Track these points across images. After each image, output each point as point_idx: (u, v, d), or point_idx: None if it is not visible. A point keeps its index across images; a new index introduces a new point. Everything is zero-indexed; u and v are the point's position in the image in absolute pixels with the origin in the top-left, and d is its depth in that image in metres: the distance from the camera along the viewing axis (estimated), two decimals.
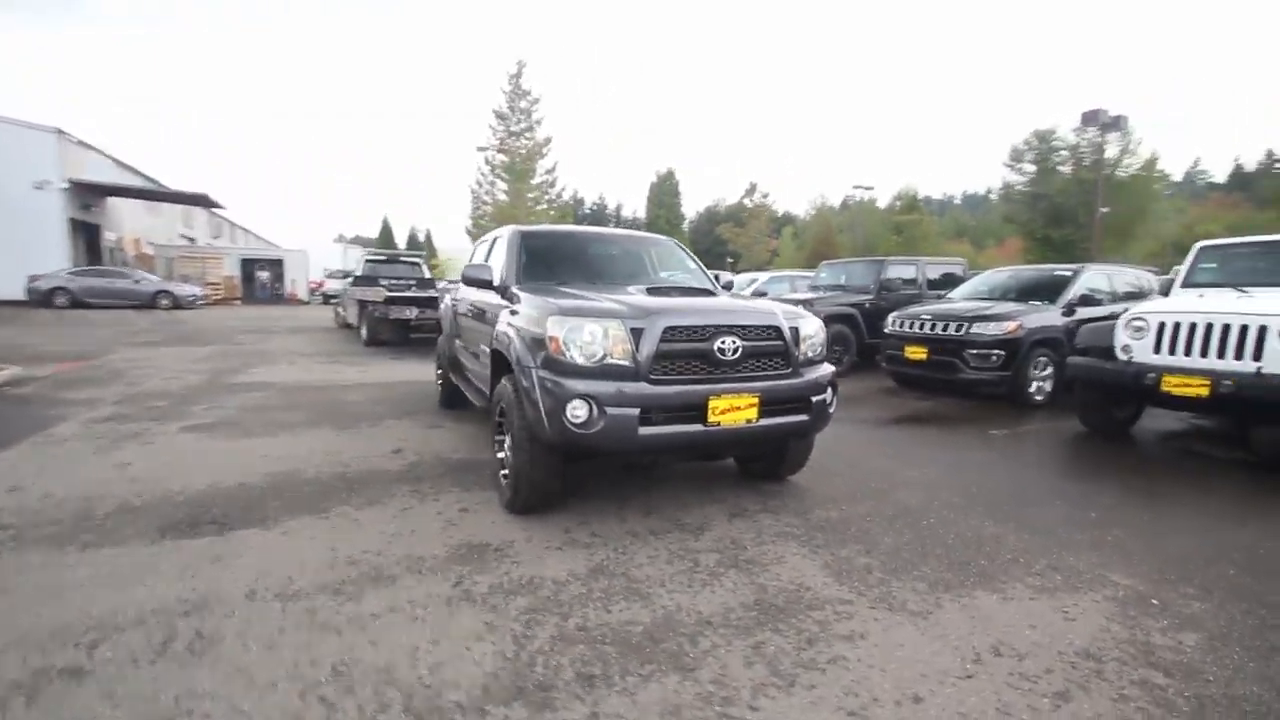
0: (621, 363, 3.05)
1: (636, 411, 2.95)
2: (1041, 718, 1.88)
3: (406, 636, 2.27)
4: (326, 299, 29.12)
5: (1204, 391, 4.55)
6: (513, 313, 3.85)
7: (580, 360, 3.05)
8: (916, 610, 2.51)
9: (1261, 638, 2.33)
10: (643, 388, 2.99)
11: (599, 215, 67.25)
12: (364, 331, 12.03)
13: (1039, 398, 6.96)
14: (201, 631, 2.28)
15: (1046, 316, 7.11)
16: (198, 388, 7.33)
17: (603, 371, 3.04)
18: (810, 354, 3.52)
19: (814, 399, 3.40)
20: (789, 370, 3.38)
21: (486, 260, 5.01)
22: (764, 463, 4.04)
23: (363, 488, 3.91)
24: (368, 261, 14.66)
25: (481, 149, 24.85)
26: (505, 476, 3.58)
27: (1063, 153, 44.58)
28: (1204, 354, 4.71)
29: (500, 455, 3.70)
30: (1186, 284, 5.96)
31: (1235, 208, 55.57)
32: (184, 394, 6.91)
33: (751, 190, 46.15)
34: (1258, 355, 4.43)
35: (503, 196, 25.15)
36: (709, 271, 4.97)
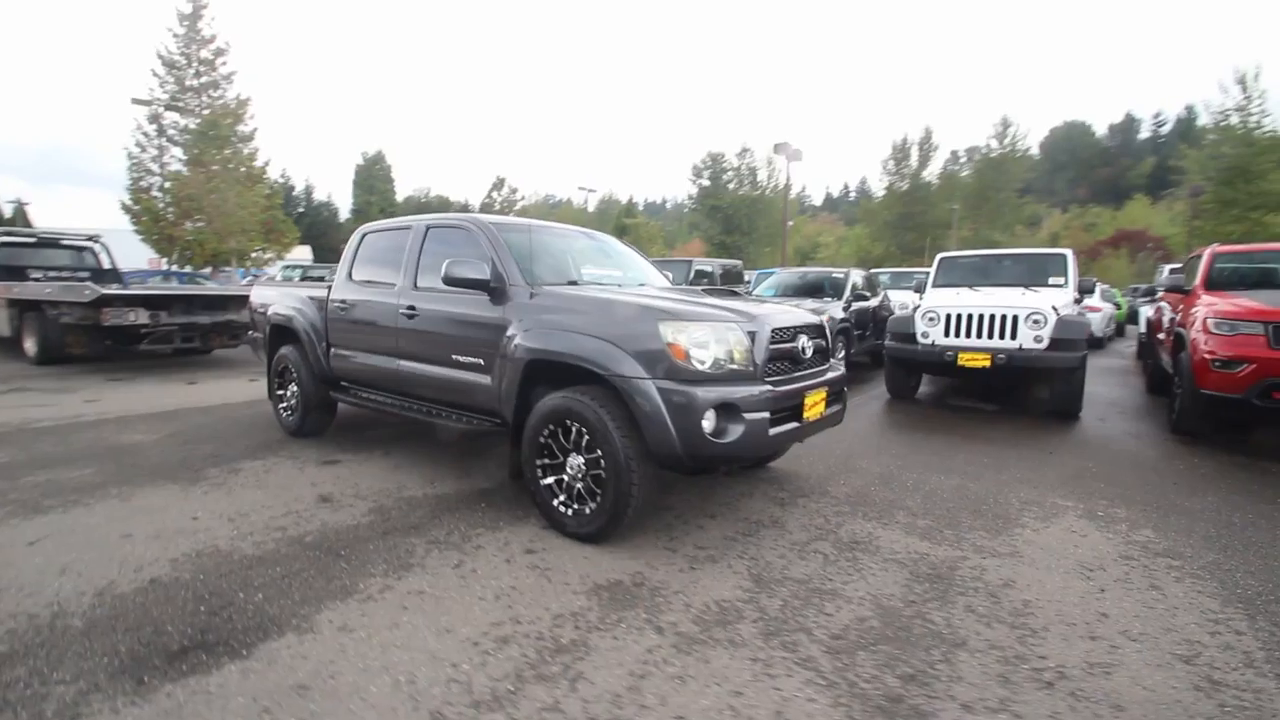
0: (743, 367, 2.99)
1: (768, 414, 2.95)
2: (1166, 604, 2.59)
3: (705, 699, 1.96)
4: None
5: (986, 363, 6.31)
6: (521, 319, 3.39)
7: (705, 368, 2.89)
8: (1007, 553, 3.10)
9: (1174, 523, 3.51)
10: (767, 390, 2.99)
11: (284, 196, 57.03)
12: (33, 344, 8.49)
13: None
14: None
15: (838, 309, 8.81)
16: None
17: (729, 377, 2.93)
18: (833, 349, 3.90)
19: (844, 389, 3.80)
20: (828, 364, 3.72)
21: (413, 257, 4.18)
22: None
23: (357, 552, 3.00)
24: (2, 245, 10.27)
25: (141, 103, 19.01)
26: (567, 504, 3.16)
27: (730, 173, 54.13)
28: (978, 336, 6.52)
29: (549, 481, 3.24)
30: (937, 284, 8.06)
31: (834, 225, 74.85)
32: None
33: (500, 184, 44.71)
34: (1014, 336, 6.33)
35: (179, 165, 19.72)
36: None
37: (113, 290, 7.63)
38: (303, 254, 39.41)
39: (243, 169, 19.30)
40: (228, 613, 2.44)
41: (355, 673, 2.07)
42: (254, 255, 20.53)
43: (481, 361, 3.62)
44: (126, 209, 19.59)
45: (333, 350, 4.79)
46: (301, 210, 47.47)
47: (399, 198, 52.44)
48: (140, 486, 3.90)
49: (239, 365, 9.42)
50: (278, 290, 5.65)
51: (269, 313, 5.39)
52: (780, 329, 3.22)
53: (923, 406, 7.17)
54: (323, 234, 50.18)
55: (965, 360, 6.43)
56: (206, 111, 19.47)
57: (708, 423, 2.81)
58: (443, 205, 60.89)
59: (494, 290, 3.58)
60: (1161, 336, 7.33)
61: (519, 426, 3.39)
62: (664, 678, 2.07)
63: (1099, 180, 76.89)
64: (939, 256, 8.39)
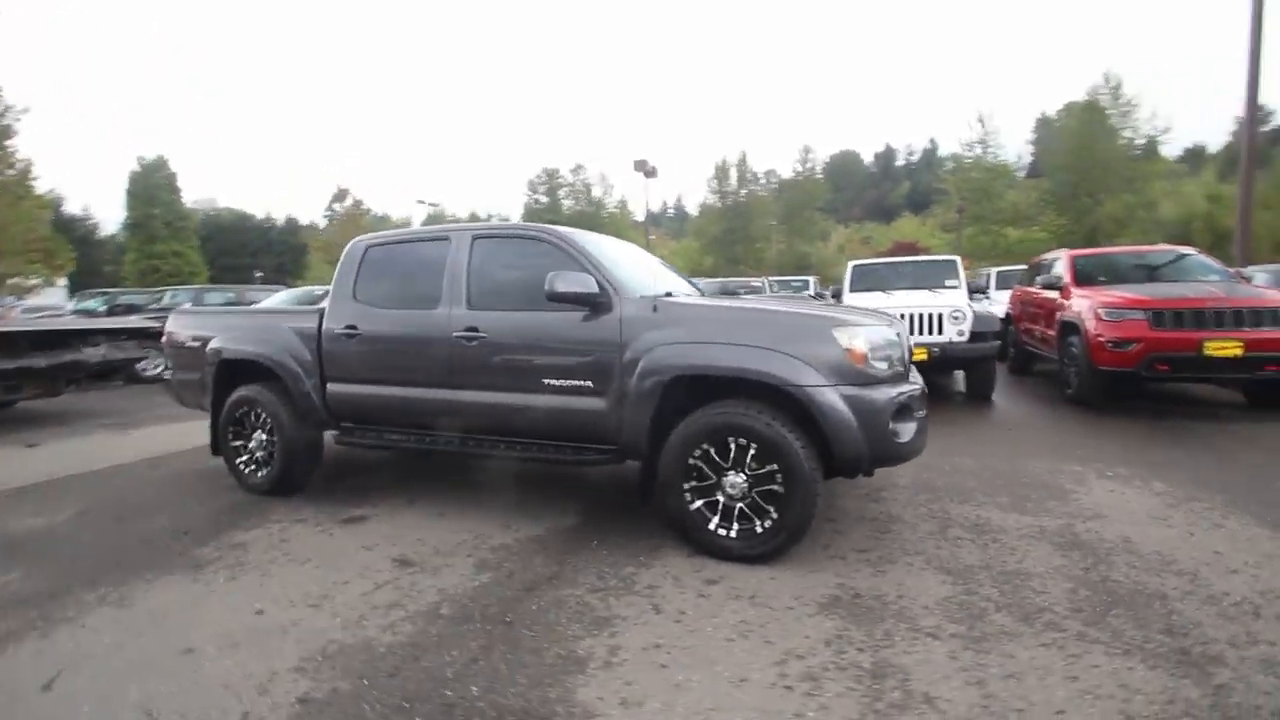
0: (901, 368, 3.07)
1: (925, 411, 3.06)
2: (1241, 536, 3.15)
3: (1059, 691, 1.99)
4: None
5: (924, 356, 7.08)
6: (646, 334, 3.16)
7: (880, 371, 2.92)
8: (1093, 515, 3.52)
9: (1168, 474, 4.23)
10: (919, 386, 3.10)
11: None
12: None
13: None
14: None
15: None
16: None
17: (893, 378, 3.00)
18: None
19: None
20: None
21: (459, 272, 3.67)
22: None
23: (525, 617, 2.58)
24: None
25: None
26: (726, 526, 2.99)
27: (565, 189, 54.58)
28: (911, 334, 7.34)
29: (698, 505, 3.04)
30: (854, 290, 8.90)
31: (663, 239, 78.99)
32: None
33: (342, 196, 39.71)
34: (940, 331, 7.22)
35: None
36: None
37: None
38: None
39: (7, 171, 15.00)
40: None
41: None
42: (11, 280, 16.09)
43: (590, 384, 3.28)
44: None
45: (331, 386, 4.00)
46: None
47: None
48: (124, 584, 2.93)
49: (71, 418, 7.37)
50: (217, 319, 4.58)
51: (212, 347, 4.34)
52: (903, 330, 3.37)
53: None
54: (78, 254, 41.18)
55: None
56: None
57: (895, 424, 2.85)
58: (237, 219, 53.41)
59: (598, 305, 3.28)
60: (1028, 325, 8.85)
61: (653, 450, 3.14)
62: (999, 679, 2.06)
63: (868, 200, 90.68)
64: (852, 264, 9.29)
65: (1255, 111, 7.87)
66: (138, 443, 5.97)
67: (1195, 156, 49.14)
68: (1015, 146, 51.68)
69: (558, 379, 3.36)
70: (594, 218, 52.57)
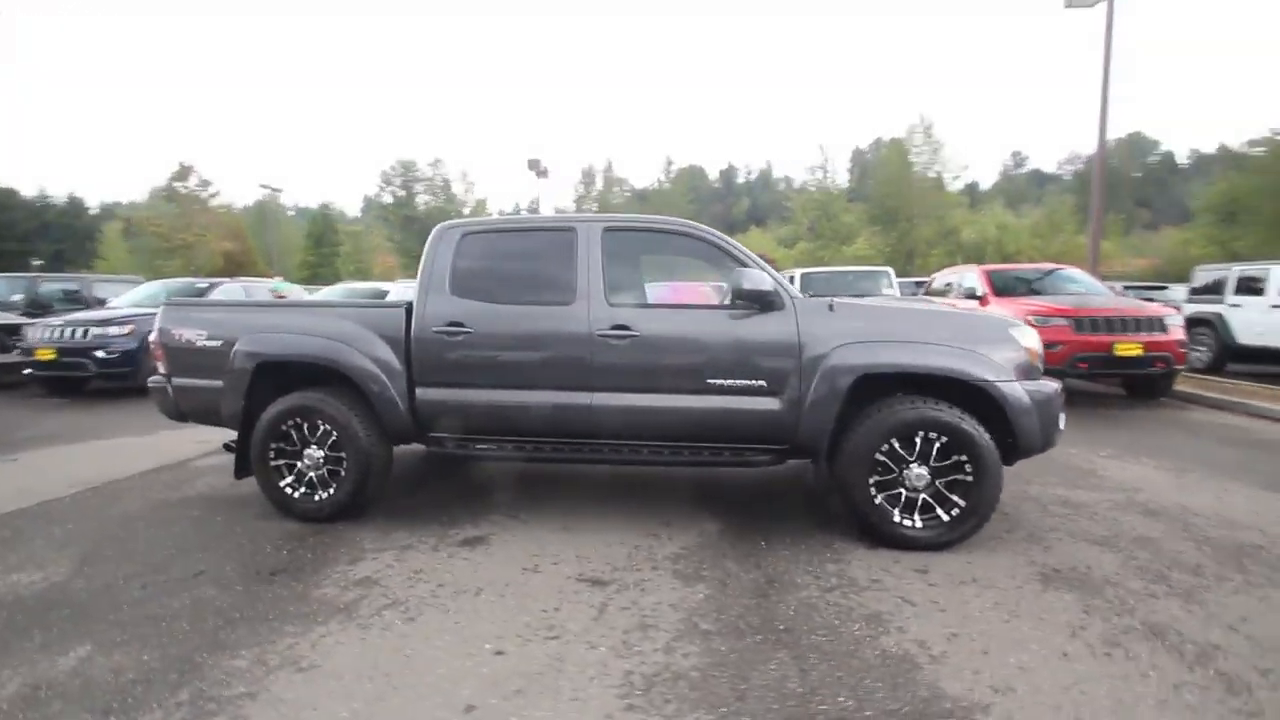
0: (1045, 365, 3.40)
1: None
2: (1261, 500, 3.92)
3: None
4: None
5: None
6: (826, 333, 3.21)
7: (1040, 365, 3.23)
8: (1135, 488, 4.17)
9: (1151, 454, 5.10)
10: (1061, 383, 3.44)
11: None
12: None
13: None
14: None
15: None
16: None
17: (1045, 373, 3.32)
18: None
19: None
20: None
21: (594, 266, 3.41)
22: None
23: (799, 622, 2.50)
24: None
25: None
26: (908, 516, 3.12)
27: (422, 184, 51.46)
28: None
29: (880, 499, 3.14)
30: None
31: None
32: None
33: (184, 173, 32.72)
34: None
35: None
36: None
37: None
38: None
39: None
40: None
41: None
42: None
43: (763, 383, 3.23)
44: None
45: (422, 391, 3.49)
46: None
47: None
48: (271, 642, 2.34)
49: None
50: (240, 315, 3.77)
51: (249, 349, 3.55)
52: None
53: None
54: None
55: None
56: None
57: (1061, 418, 3.18)
58: (2, 196, 43.18)
59: (771, 303, 3.25)
60: None
61: (833, 447, 3.18)
62: (1238, 621, 2.41)
63: (714, 214, 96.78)
64: (800, 272, 9.94)
65: (1104, 146, 9.76)
66: (43, 470, 4.67)
67: (971, 191, 59.13)
68: (837, 173, 58.34)
69: (725, 379, 3.26)
70: (452, 216, 50.25)
